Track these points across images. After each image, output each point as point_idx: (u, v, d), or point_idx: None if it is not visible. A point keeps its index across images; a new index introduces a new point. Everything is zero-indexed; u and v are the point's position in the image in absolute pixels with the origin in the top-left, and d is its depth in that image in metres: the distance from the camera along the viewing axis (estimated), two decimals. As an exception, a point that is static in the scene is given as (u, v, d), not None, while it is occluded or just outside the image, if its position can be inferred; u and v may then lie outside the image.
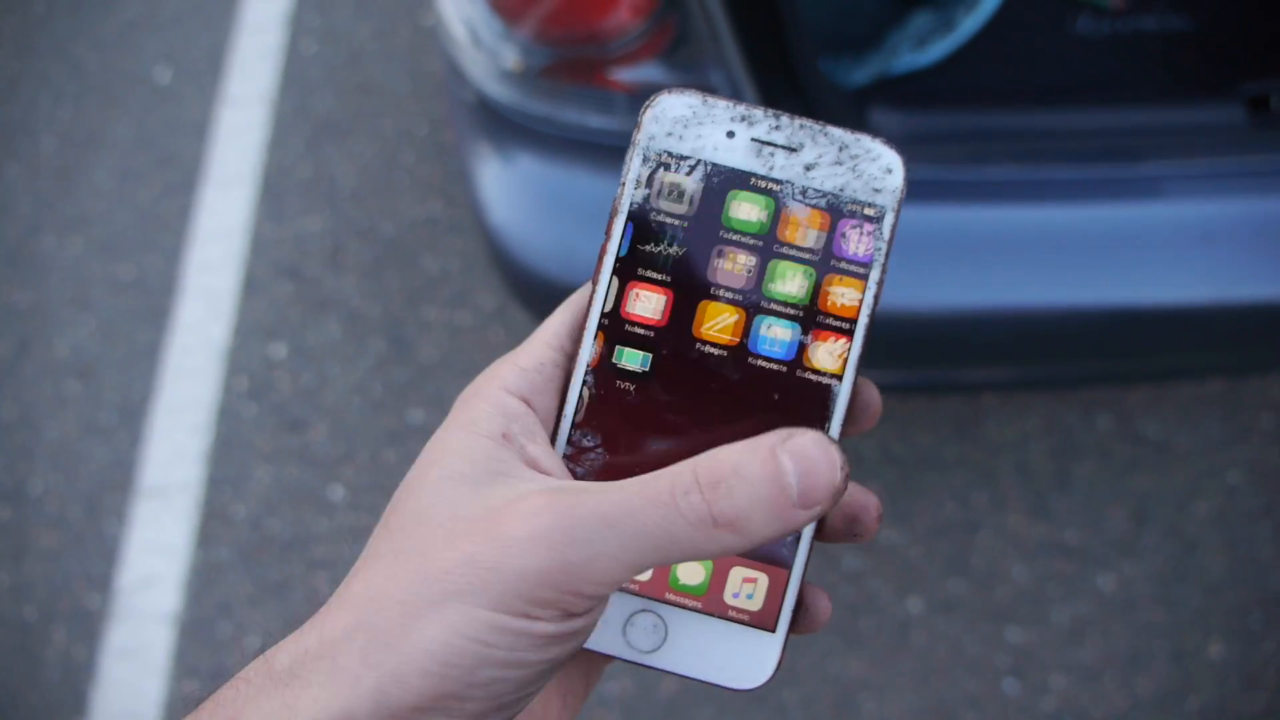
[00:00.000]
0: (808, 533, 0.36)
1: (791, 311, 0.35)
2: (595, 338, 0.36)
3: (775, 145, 0.36)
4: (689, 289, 0.36)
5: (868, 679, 1.41)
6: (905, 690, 1.41)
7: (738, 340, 0.35)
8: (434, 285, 1.73)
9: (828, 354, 0.35)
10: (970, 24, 1.22)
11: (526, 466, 0.33)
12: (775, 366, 0.35)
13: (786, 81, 0.97)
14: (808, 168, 0.36)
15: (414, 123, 1.89)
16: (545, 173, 1.07)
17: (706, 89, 0.80)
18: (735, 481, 0.29)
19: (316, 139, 1.88)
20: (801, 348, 0.35)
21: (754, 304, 0.35)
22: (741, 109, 0.36)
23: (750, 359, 0.35)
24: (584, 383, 0.36)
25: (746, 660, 0.35)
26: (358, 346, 1.68)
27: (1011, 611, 1.45)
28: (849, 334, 0.35)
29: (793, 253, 0.35)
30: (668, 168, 0.36)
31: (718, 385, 0.35)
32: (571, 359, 0.36)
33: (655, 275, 0.36)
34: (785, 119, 0.36)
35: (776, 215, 0.35)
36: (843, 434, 0.36)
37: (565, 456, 0.36)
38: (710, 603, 0.36)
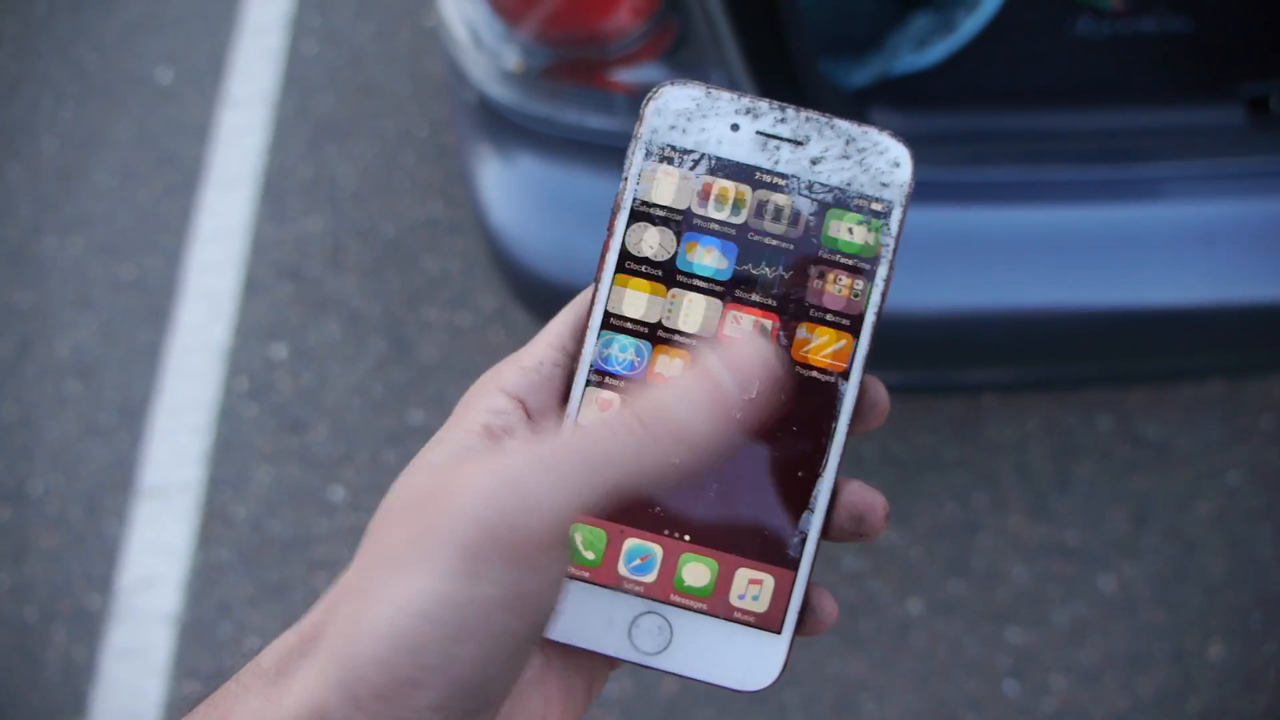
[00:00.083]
0: (814, 534, 0.35)
1: None
2: (598, 335, 0.35)
3: (781, 139, 0.35)
4: None
5: (868, 680, 1.41)
6: (905, 691, 1.41)
7: None
8: (434, 286, 1.73)
9: (834, 352, 0.35)
10: (970, 25, 1.22)
11: None
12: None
13: (787, 83, 0.97)
14: (814, 161, 0.35)
15: (415, 124, 1.89)
16: (546, 173, 1.07)
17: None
18: (665, 392, 0.29)
19: (317, 140, 1.89)
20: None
21: None
22: (746, 101, 0.35)
23: None
24: (587, 381, 0.35)
25: (752, 662, 0.35)
26: (358, 347, 1.68)
27: (1012, 612, 1.45)
28: (855, 332, 0.35)
29: None
30: (671, 162, 0.35)
31: None
32: (574, 358, 0.36)
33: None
34: (791, 111, 0.35)
35: None
36: (850, 432, 0.35)
37: None
38: (716, 604, 0.35)
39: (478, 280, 1.72)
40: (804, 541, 0.35)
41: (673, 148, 0.35)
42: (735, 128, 0.35)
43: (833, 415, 0.35)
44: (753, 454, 0.35)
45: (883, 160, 0.35)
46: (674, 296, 0.35)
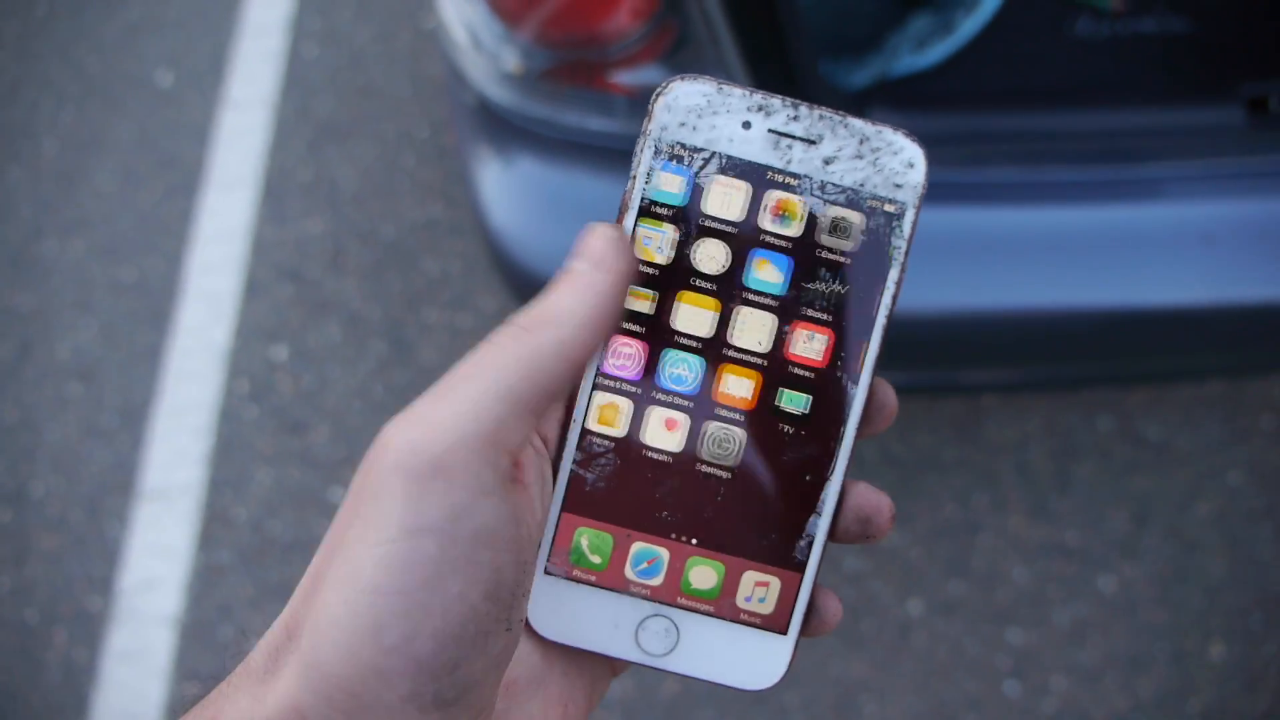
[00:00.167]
0: (821, 537, 0.35)
1: None
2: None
3: (794, 137, 0.34)
4: None
5: (868, 680, 1.41)
6: (906, 692, 1.41)
7: None
8: (435, 287, 1.73)
9: (843, 354, 0.35)
10: (970, 26, 1.22)
11: None
12: None
13: (786, 84, 0.97)
14: (827, 161, 0.34)
15: (415, 125, 1.90)
16: (546, 175, 1.07)
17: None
18: (537, 298, 0.32)
19: (318, 142, 1.89)
20: None
21: None
22: (758, 97, 0.34)
23: None
24: (594, 385, 0.35)
25: (757, 661, 0.35)
26: (359, 349, 1.68)
27: (1012, 613, 1.45)
28: (865, 335, 0.35)
29: None
30: (680, 160, 0.34)
31: None
32: None
33: None
34: (804, 109, 0.34)
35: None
36: (859, 434, 0.35)
37: (576, 462, 0.35)
38: (722, 606, 0.35)
39: (478, 282, 1.72)
40: (811, 544, 0.35)
41: (682, 145, 0.34)
42: (747, 125, 0.34)
43: (841, 418, 0.35)
44: (760, 457, 0.35)
45: (897, 161, 0.34)
46: (679, 296, 0.35)
